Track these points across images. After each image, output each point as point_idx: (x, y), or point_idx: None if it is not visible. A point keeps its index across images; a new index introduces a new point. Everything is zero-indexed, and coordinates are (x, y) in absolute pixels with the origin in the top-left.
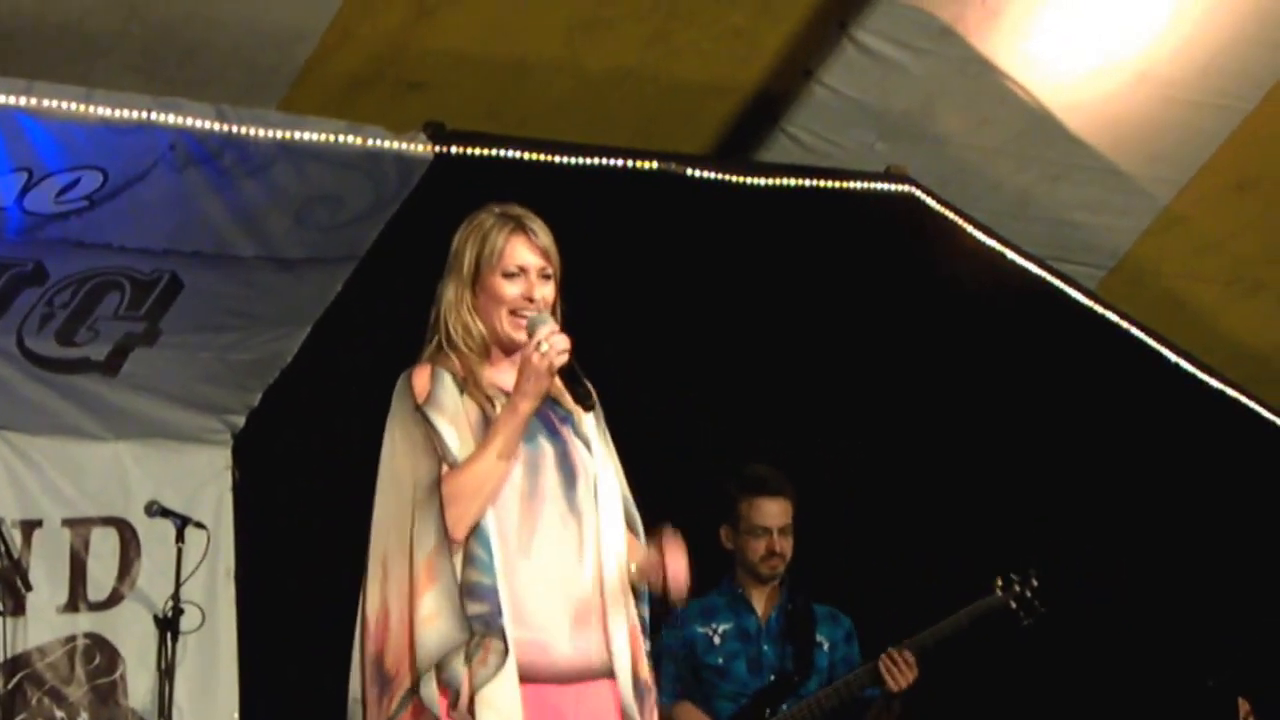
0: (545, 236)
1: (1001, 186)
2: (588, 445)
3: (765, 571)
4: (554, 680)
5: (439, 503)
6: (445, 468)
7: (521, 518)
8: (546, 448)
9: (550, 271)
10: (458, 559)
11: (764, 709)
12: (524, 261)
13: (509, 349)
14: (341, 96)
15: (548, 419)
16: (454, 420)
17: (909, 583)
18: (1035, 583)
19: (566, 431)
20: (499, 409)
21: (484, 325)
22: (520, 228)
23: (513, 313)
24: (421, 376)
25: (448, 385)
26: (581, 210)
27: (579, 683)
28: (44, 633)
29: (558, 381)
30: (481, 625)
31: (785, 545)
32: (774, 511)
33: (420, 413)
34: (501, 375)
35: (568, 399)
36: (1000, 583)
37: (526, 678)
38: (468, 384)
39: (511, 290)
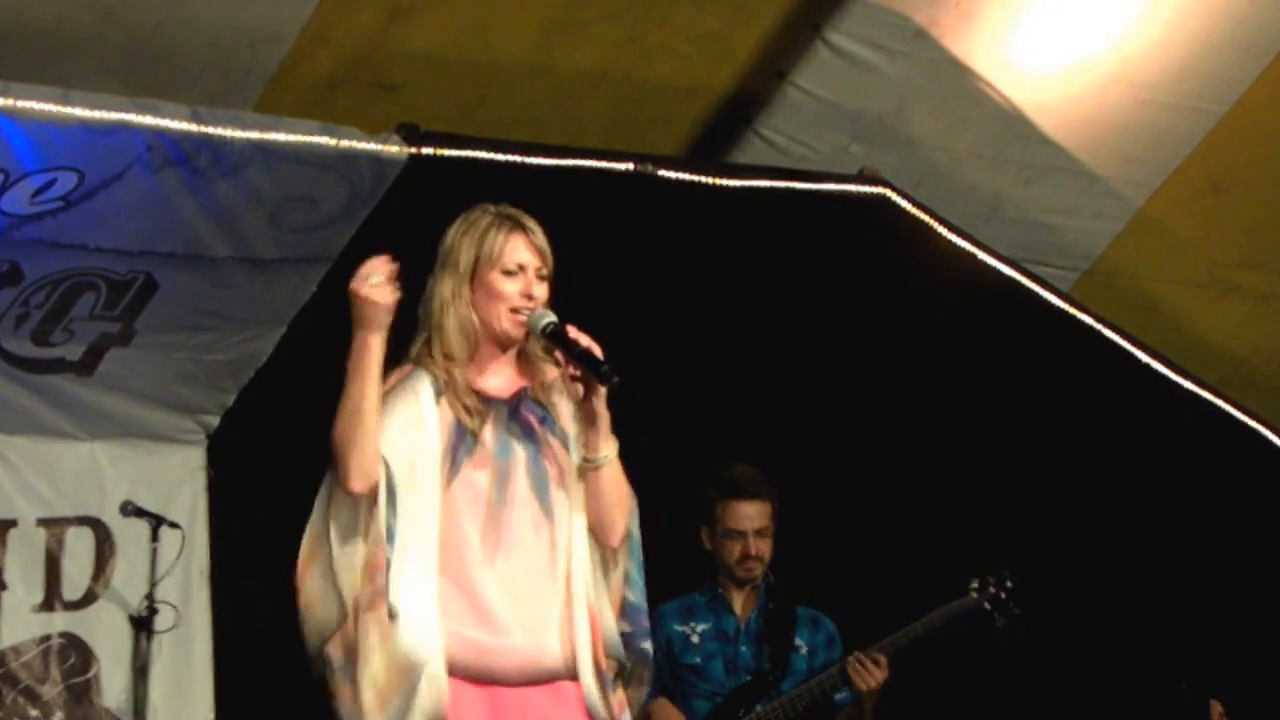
0: (542, 237)
1: (975, 189)
2: (565, 443)
3: (741, 574)
4: (517, 683)
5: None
6: None
7: (486, 526)
8: (519, 453)
9: (545, 272)
10: (367, 526)
11: (738, 709)
12: (523, 260)
13: (504, 346)
14: (316, 98)
15: (524, 420)
16: (395, 415)
17: (885, 583)
18: (1009, 584)
19: (543, 432)
20: (475, 419)
21: (480, 322)
22: (519, 226)
23: (513, 310)
24: (400, 373)
25: (416, 387)
26: (555, 212)
27: (541, 685)
28: (19, 632)
29: (547, 375)
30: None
31: (761, 548)
32: (749, 514)
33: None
34: (486, 380)
35: (551, 396)
36: (975, 584)
37: (489, 680)
38: (448, 389)
39: (511, 288)
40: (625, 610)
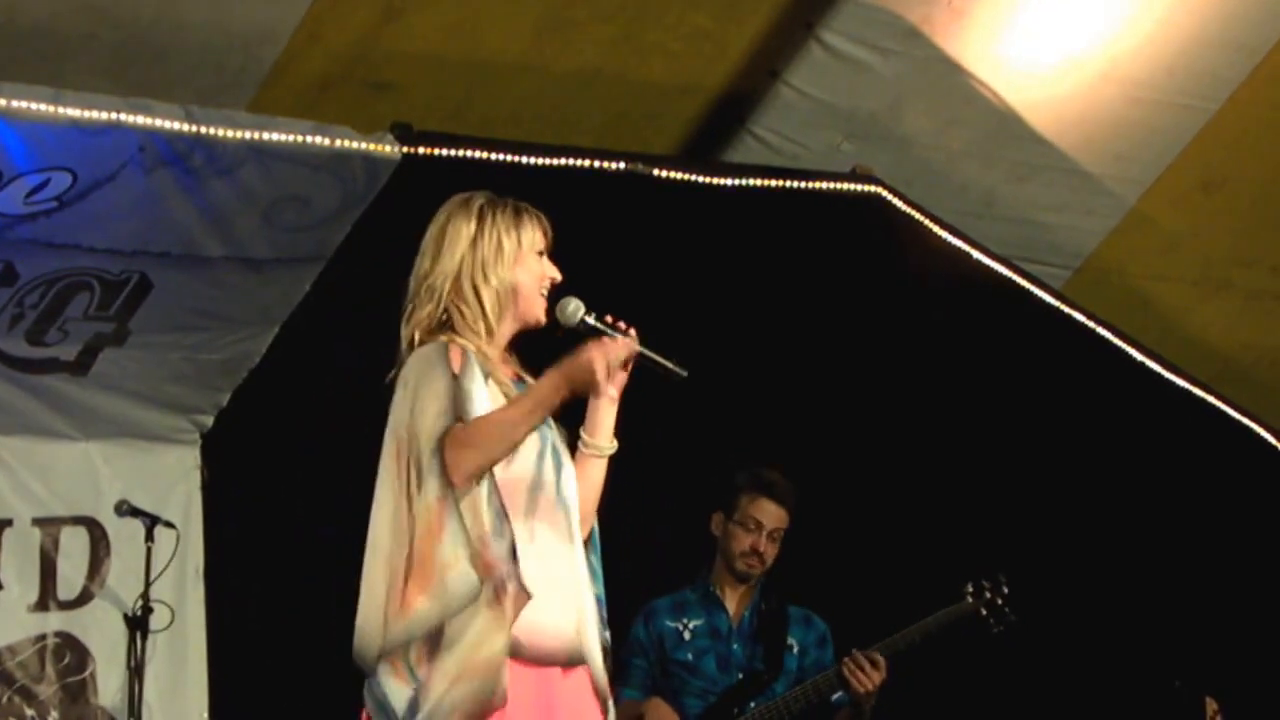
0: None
1: (968, 187)
2: (557, 430)
3: (742, 567)
4: (549, 664)
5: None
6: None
7: (527, 504)
8: (546, 434)
9: None
10: (470, 511)
11: (731, 708)
12: (545, 244)
13: (525, 326)
14: (309, 98)
15: None
16: (474, 400)
17: (877, 580)
18: (1006, 590)
19: (550, 419)
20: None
21: (516, 299)
22: (538, 215)
23: (540, 293)
24: (455, 352)
25: (476, 369)
26: (548, 211)
27: (568, 667)
28: (14, 631)
29: (521, 368)
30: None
31: (770, 549)
32: (772, 513)
33: (456, 381)
34: (498, 363)
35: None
36: (970, 589)
37: (533, 660)
38: (489, 370)
39: (544, 270)
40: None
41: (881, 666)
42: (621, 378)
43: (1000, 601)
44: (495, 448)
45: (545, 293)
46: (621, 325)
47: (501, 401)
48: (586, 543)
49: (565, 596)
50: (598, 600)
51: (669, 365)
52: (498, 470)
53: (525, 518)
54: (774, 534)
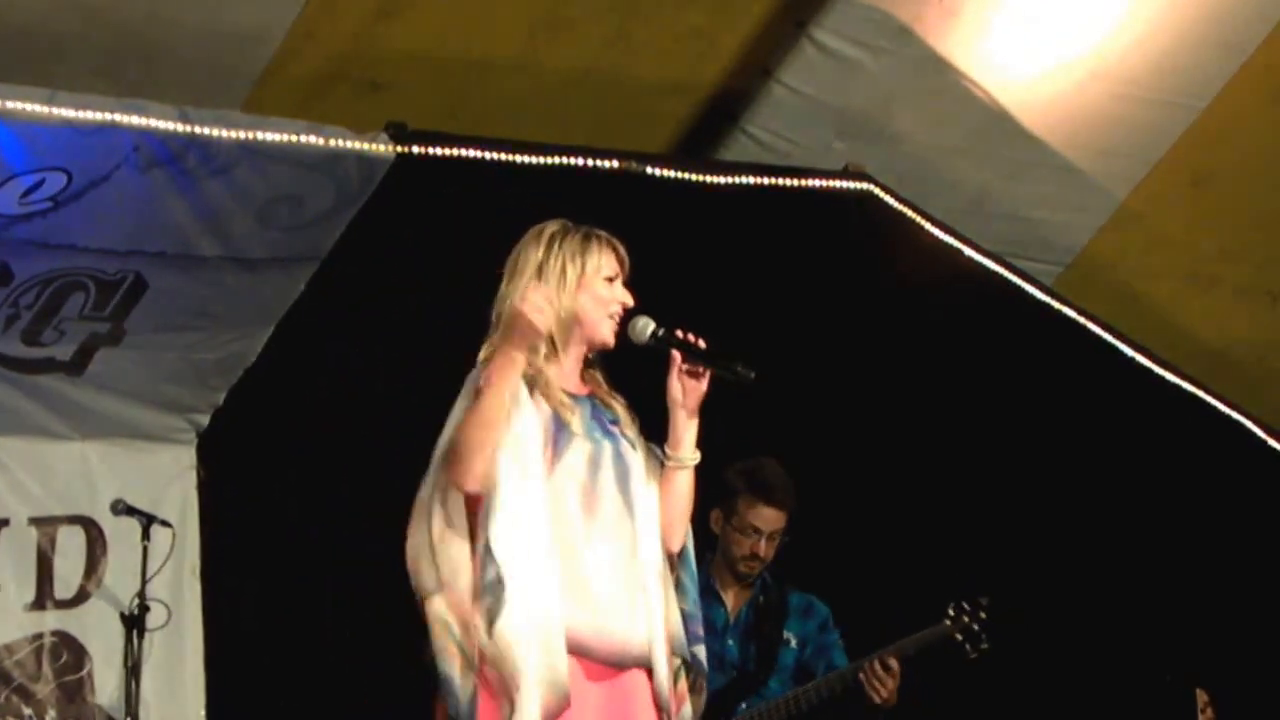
0: (623, 250)
1: (959, 184)
2: (633, 445)
3: (741, 570)
4: (609, 665)
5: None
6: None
7: (585, 510)
8: (605, 444)
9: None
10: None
11: (719, 711)
12: (617, 270)
13: (590, 349)
14: (304, 97)
15: (600, 419)
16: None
17: (868, 577)
18: (984, 615)
19: (616, 430)
20: (568, 411)
21: (581, 324)
22: (610, 240)
23: (610, 316)
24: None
25: (512, 380)
26: (542, 210)
27: (626, 670)
28: (11, 631)
29: (602, 382)
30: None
31: (769, 551)
32: (770, 518)
33: (478, 390)
34: (566, 380)
35: (615, 404)
36: (950, 611)
37: (590, 659)
38: (538, 383)
39: (612, 294)
40: (682, 616)
41: (894, 670)
42: (699, 390)
43: (977, 627)
44: (474, 434)
45: (615, 317)
46: (691, 337)
47: (547, 410)
48: (679, 556)
49: (622, 599)
50: (686, 616)
51: (737, 370)
52: (543, 474)
53: (584, 518)
54: (773, 535)
